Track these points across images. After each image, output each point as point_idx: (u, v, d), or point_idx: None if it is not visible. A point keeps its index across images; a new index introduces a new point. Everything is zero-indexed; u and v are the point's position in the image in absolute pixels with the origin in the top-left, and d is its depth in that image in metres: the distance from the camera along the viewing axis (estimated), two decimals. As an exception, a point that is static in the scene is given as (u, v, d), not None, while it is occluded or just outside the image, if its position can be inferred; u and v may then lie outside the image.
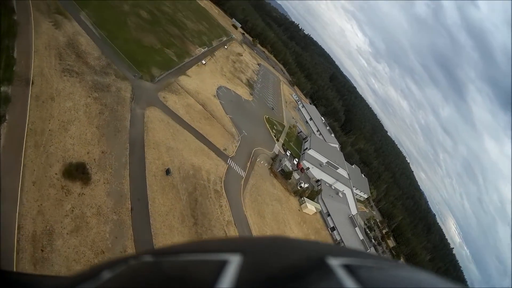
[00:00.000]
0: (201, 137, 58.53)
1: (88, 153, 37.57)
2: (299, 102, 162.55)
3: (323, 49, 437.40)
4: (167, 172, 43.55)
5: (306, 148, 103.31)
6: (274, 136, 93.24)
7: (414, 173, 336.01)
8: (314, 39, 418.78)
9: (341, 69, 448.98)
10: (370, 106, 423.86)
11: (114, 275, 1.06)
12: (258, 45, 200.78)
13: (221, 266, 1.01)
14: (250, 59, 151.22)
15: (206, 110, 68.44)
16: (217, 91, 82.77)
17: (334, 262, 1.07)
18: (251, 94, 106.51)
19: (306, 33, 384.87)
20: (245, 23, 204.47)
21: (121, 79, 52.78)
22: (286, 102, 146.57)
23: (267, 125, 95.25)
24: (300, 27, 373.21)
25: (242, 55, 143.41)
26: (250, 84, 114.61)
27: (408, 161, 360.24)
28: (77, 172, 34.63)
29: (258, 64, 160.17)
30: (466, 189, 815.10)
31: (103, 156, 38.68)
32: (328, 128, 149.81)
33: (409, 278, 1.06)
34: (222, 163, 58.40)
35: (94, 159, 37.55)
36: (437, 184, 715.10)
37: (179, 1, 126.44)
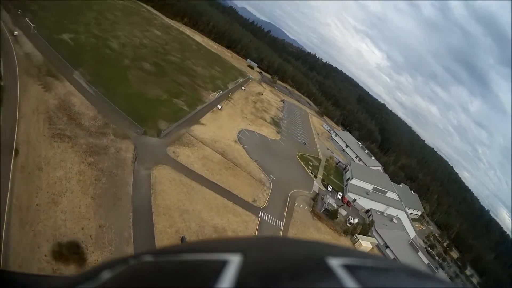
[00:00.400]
0: (223, 192, 53.31)
1: (82, 229, 33.80)
2: (332, 131, 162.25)
3: (344, 74, 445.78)
4: (182, 241, 37.42)
5: (348, 178, 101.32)
6: (311, 173, 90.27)
7: (459, 175, 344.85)
8: (334, 65, 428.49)
9: (366, 89, 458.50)
10: (402, 120, 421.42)
11: (114, 275, 1.10)
12: (278, 82, 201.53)
13: (221, 266, 1.05)
14: (272, 97, 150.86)
15: (226, 159, 63.98)
16: (238, 136, 79.43)
17: (334, 262, 1.11)
18: (278, 132, 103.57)
19: (325, 61, 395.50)
20: (261, 61, 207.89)
21: (121, 138, 49.47)
22: (318, 134, 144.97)
23: (301, 163, 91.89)
24: (317, 57, 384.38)
25: (262, 94, 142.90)
26: (275, 123, 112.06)
27: (451, 164, 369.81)
28: (69, 253, 31.01)
29: (282, 101, 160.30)
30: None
31: (101, 231, 34.59)
32: (366, 151, 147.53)
33: (409, 278, 1.10)
34: (252, 217, 52.77)
35: (90, 236, 33.60)
36: (482, 179, 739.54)
37: (188, 49, 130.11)
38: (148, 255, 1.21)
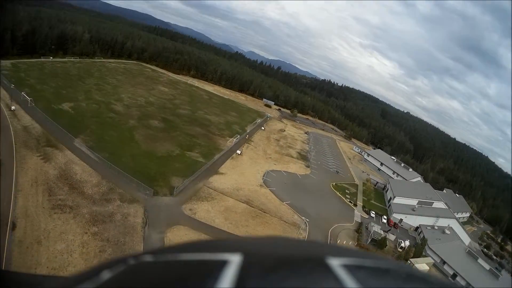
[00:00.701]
0: (252, 245, 48.08)
1: (86, 308, 28.92)
2: (363, 152, 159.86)
3: (363, 92, 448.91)
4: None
5: (390, 198, 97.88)
6: (350, 202, 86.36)
7: (495, 163, 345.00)
8: (350, 86, 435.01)
9: (387, 102, 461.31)
10: (429, 123, 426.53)
11: (114, 275, 1.13)
12: (299, 114, 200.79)
13: (221, 266, 1.08)
14: (295, 131, 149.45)
15: (252, 207, 60.58)
16: (263, 179, 76.46)
17: (334, 262, 1.14)
18: (307, 166, 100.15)
19: (340, 84, 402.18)
20: (277, 98, 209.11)
21: (128, 202, 47.55)
22: (349, 158, 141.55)
23: (337, 193, 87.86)
24: (333, 82, 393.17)
25: (284, 130, 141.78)
26: (303, 156, 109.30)
27: (485, 155, 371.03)
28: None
29: (306, 133, 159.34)
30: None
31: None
32: (402, 165, 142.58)
33: (408, 278, 1.13)
34: (289, 268, 46.83)
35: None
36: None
37: (198, 100, 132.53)
38: (148, 255, 1.25)
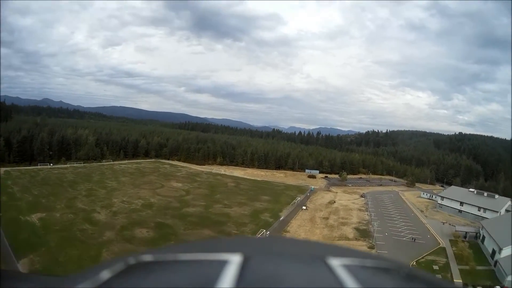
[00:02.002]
0: None
1: None
2: (434, 196, 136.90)
3: (408, 131, 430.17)
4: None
5: (494, 251, 68.14)
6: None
7: None
8: (395, 130, 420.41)
9: (435, 132, 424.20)
10: (481, 135, 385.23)
11: (114, 275, 1.13)
12: (349, 176, 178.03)
13: (221, 266, 1.08)
14: (348, 199, 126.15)
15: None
16: None
17: (335, 262, 1.14)
18: (372, 246, 75.04)
19: (385, 131, 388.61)
20: (321, 165, 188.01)
21: None
22: (421, 211, 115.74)
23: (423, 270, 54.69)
24: (377, 131, 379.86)
25: (334, 202, 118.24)
26: (363, 232, 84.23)
27: None
28: None
29: (362, 196, 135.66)
30: None
31: None
32: (485, 194, 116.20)
33: (408, 278, 1.13)
34: None
35: None
36: None
37: (220, 190, 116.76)
38: (148, 255, 1.25)
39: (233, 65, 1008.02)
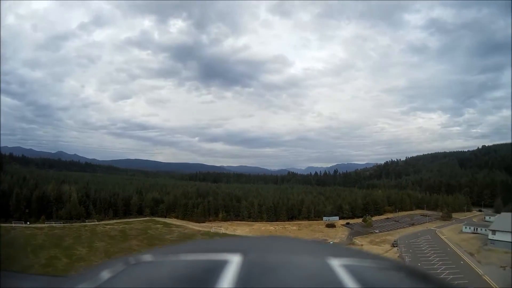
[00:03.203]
0: None
1: None
2: (480, 229, 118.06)
3: (427, 155, 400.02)
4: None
5: None
6: None
7: None
8: (414, 155, 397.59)
9: (456, 151, 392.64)
10: (501, 143, 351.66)
11: (114, 275, 1.12)
12: (374, 218, 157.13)
13: (221, 266, 1.07)
14: (376, 251, 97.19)
15: None
16: None
17: (335, 262, 1.13)
18: None
19: (403, 159, 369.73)
20: (340, 210, 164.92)
21: None
22: (471, 254, 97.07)
23: None
24: (395, 160, 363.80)
25: None
26: None
27: None
28: None
29: (393, 244, 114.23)
30: None
31: None
32: None
33: (408, 278, 1.12)
34: None
35: None
36: None
37: None
38: (148, 255, 1.24)
39: (244, 111, 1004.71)
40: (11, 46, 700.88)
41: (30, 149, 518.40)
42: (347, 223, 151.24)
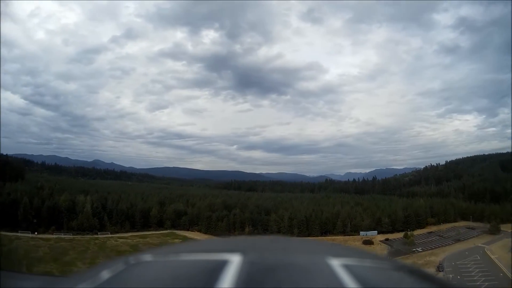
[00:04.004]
0: None
1: None
2: None
3: (467, 157, 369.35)
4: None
5: None
6: None
7: None
8: (454, 159, 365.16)
9: (497, 153, 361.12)
10: None
11: (114, 275, 1.12)
12: (416, 232, 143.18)
13: (221, 266, 1.06)
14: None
15: None
16: None
17: (334, 262, 1.13)
18: None
19: (443, 163, 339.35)
20: (379, 223, 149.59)
21: None
22: None
23: None
24: (434, 165, 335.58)
25: None
26: None
27: None
28: None
29: (439, 269, 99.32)
30: None
31: None
32: None
33: (408, 277, 1.12)
34: None
35: None
36: None
37: None
38: (148, 255, 1.24)
39: (281, 119, 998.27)
40: (43, 60, 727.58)
41: (66, 158, 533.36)
42: (386, 239, 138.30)
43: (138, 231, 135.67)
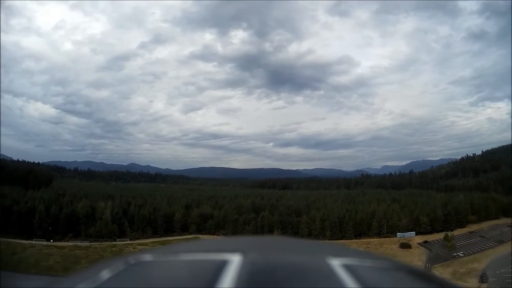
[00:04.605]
0: None
1: None
2: None
3: (503, 146, 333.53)
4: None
5: None
6: None
7: None
8: (490, 148, 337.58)
9: None
10: None
11: (114, 274, 1.11)
12: (456, 233, 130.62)
13: (221, 266, 1.06)
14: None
15: None
16: None
17: (335, 262, 1.12)
18: None
19: (480, 153, 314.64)
20: (417, 223, 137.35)
21: None
22: None
23: None
24: (471, 155, 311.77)
25: None
26: None
27: None
28: None
29: (482, 280, 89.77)
30: None
31: None
32: None
33: (408, 277, 1.12)
34: None
35: None
36: None
37: None
38: (148, 255, 1.23)
39: (316, 114, 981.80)
40: (72, 70, 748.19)
41: (101, 163, 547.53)
42: (425, 242, 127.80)
43: (160, 236, 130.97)
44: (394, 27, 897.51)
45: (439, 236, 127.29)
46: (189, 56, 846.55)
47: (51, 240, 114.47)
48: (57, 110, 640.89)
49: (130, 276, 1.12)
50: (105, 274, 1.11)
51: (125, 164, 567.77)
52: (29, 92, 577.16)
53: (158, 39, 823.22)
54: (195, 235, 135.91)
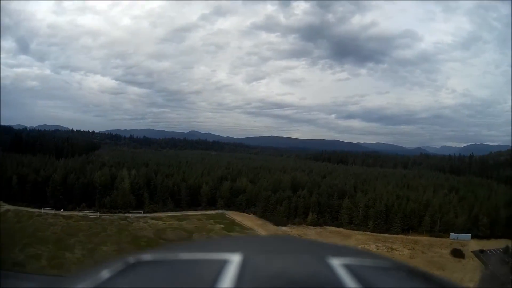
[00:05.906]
0: None
1: None
2: None
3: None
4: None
5: None
6: None
7: None
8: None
9: None
10: None
11: (114, 274, 1.11)
12: None
13: (221, 266, 1.06)
14: None
15: None
16: None
17: (335, 262, 1.12)
18: None
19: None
20: (475, 221, 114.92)
21: None
22: None
23: None
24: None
25: None
26: None
27: None
28: None
29: None
30: None
31: None
32: None
33: (408, 277, 1.12)
34: None
35: None
36: None
37: None
38: (148, 255, 1.23)
39: (380, 88, 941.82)
40: (132, 43, 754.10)
41: (161, 130, 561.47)
42: (481, 251, 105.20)
43: (182, 210, 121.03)
44: (456, 2, 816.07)
45: (499, 244, 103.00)
46: (251, 27, 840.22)
47: (62, 210, 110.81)
48: (117, 82, 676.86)
49: (130, 276, 1.11)
50: (105, 274, 1.11)
51: (186, 131, 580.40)
52: (87, 66, 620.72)
53: (219, 11, 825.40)
54: (222, 211, 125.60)
